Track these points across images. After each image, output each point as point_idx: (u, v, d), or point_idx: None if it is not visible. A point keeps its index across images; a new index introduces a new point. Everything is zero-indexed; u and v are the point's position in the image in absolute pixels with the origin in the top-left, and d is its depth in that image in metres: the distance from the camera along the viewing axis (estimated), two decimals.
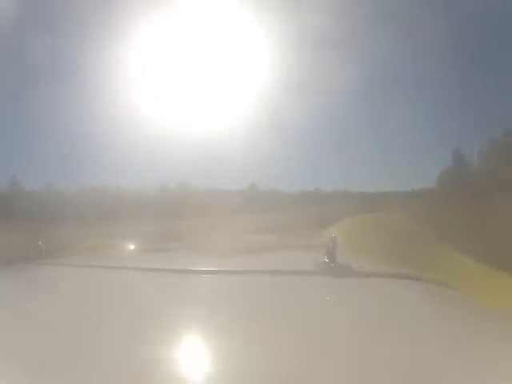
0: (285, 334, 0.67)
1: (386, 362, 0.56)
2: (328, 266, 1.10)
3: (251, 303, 0.87)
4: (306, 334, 0.67)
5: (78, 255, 2.14)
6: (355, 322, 0.73)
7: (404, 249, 1.62)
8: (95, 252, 2.21)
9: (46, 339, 0.70)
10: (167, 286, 1.08)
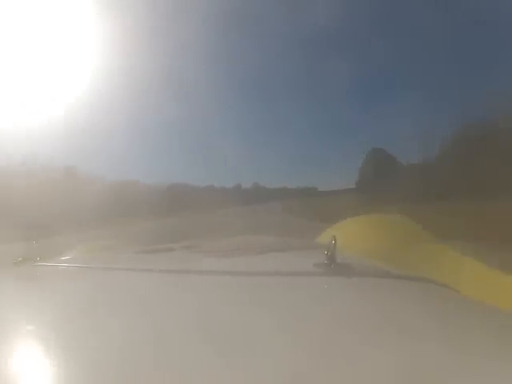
0: (284, 335, 0.67)
1: (387, 364, 0.56)
2: (327, 266, 1.10)
3: (248, 304, 0.86)
4: (305, 335, 0.67)
5: (77, 256, 2.14)
6: (354, 323, 0.73)
7: (404, 249, 1.62)
8: (95, 253, 2.21)
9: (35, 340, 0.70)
10: (167, 287, 1.07)
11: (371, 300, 0.90)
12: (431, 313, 0.82)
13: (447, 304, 0.95)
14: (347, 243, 1.60)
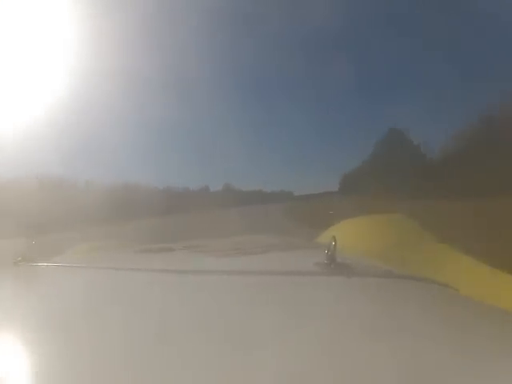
0: (284, 336, 0.66)
1: (388, 363, 0.55)
2: (328, 266, 1.09)
3: (248, 304, 0.86)
4: (305, 335, 0.66)
5: (76, 256, 2.13)
6: (355, 323, 0.72)
7: (404, 248, 1.61)
8: (94, 253, 2.21)
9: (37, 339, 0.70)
10: (166, 287, 1.07)
11: (371, 300, 0.89)
12: (432, 313, 0.82)
13: (448, 304, 0.95)
14: (347, 243, 1.59)
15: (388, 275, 1.14)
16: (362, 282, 1.04)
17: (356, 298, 0.91)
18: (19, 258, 1.56)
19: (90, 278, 1.27)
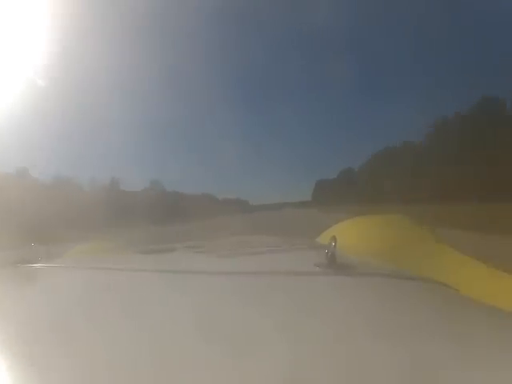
0: (285, 335, 0.66)
1: (387, 363, 0.56)
2: (328, 266, 1.10)
3: (249, 305, 0.86)
4: (306, 335, 0.66)
5: (77, 257, 2.14)
6: (355, 323, 0.73)
7: (403, 249, 1.61)
8: (95, 254, 2.21)
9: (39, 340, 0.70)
10: (168, 287, 1.07)
11: (371, 300, 0.89)
12: (431, 312, 0.82)
13: (447, 303, 0.95)
14: (347, 243, 1.60)
15: (388, 275, 1.14)
16: (363, 283, 1.04)
17: (356, 298, 0.91)
18: (19, 259, 1.56)
19: (89, 279, 1.27)
